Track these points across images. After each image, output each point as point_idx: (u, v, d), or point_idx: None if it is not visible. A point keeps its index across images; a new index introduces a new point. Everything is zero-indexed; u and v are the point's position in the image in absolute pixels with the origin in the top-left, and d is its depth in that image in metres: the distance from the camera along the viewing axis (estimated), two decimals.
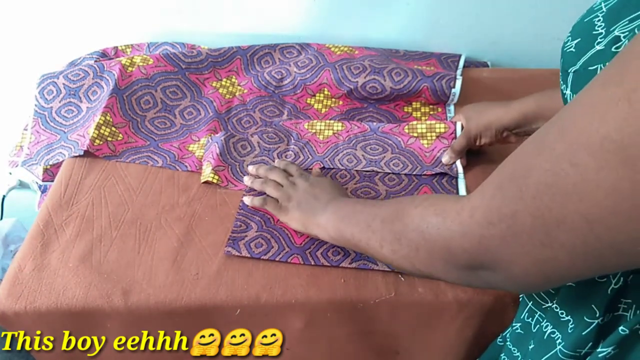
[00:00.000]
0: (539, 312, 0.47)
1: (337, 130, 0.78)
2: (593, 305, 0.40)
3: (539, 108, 0.64)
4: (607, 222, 0.28)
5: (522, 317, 0.49)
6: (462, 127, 0.74)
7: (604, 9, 0.37)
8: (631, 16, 0.34)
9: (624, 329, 0.38)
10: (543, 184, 0.30)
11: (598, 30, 0.36)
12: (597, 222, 0.28)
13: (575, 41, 0.39)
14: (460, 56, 0.93)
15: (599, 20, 0.37)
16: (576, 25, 0.40)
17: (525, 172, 0.32)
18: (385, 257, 0.46)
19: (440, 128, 0.76)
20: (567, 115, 0.30)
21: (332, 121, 0.80)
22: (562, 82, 0.40)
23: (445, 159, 0.73)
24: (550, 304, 0.45)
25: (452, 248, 0.38)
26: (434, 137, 0.76)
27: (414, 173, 0.72)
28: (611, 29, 0.35)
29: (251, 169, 0.71)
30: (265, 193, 0.67)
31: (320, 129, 0.79)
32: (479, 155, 0.75)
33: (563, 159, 0.29)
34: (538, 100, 0.65)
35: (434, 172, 0.72)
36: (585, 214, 0.28)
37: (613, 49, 0.33)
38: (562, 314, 0.43)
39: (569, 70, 0.38)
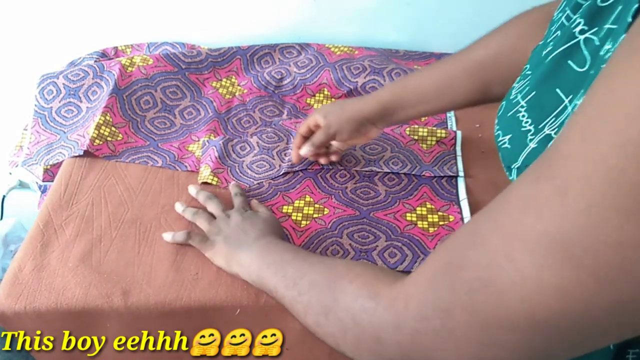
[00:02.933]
0: None
1: None
2: None
3: (394, 96, 0.62)
4: (553, 322, 0.25)
5: None
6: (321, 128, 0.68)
7: (524, 104, 0.37)
8: (556, 112, 0.33)
9: None
10: (478, 279, 0.28)
11: (526, 126, 0.36)
12: (542, 323, 0.25)
13: (508, 137, 0.38)
14: None
15: (523, 115, 0.37)
16: (501, 118, 0.40)
17: (458, 264, 0.29)
18: (309, 326, 0.42)
19: (441, 133, 0.76)
20: (500, 207, 0.29)
21: None
22: (507, 174, 0.39)
23: (304, 150, 0.68)
24: None
25: (383, 339, 0.34)
26: (434, 142, 0.76)
27: (414, 173, 0.72)
28: (540, 127, 0.35)
29: (191, 189, 0.68)
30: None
31: None
32: (479, 155, 0.75)
33: (498, 253, 0.27)
34: (392, 89, 0.63)
35: (433, 174, 0.72)
36: (527, 315, 0.26)
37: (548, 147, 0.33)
38: None
39: (512, 167, 0.38)
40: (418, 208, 0.68)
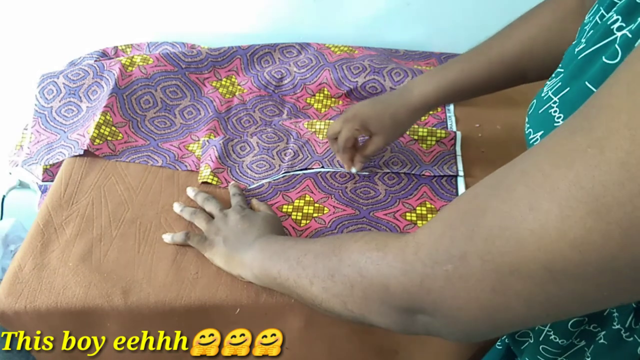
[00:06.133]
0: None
1: None
2: None
3: (439, 92, 0.62)
4: (571, 273, 0.25)
5: None
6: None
7: (557, 100, 0.37)
8: None
9: None
10: (497, 226, 0.28)
11: (559, 122, 0.36)
12: (559, 273, 0.25)
13: (539, 133, 0.38)
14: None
15: (555, 111, 0.37)
16: (532, 116, 0.40)
17: (479, 212, 0.29)
18: (315, 296, 0.42)
19: (441, 133, 0.77)
20: (530, 159, 0.28)
21: (331, 120, 0.80)
22: None
23: (359, 167, 0.70)
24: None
25: (391, 287, 0.34)
26: (433, 142, 0.76)
27: (413, 172, 0.72)
28: None
29: (189, 191, 0.68)
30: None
31: (319, 128, 0.79)
32: (479, 155, 0.76)
33: (522, 202, 0.26)
34: (435, 85, 0.62)
35: (433, 174, 0.72)
36: (545, 263, 0.26)
37: None
38: None
39: None
40: (418, 208, 0.68)
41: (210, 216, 0.63)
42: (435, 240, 0.32)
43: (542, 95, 0.40)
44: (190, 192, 0.68)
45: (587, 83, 0.34)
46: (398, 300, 0.35)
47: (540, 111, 0.39)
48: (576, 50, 0.38)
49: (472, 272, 0.29)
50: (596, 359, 0.42)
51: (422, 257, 0.32)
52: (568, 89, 0.37)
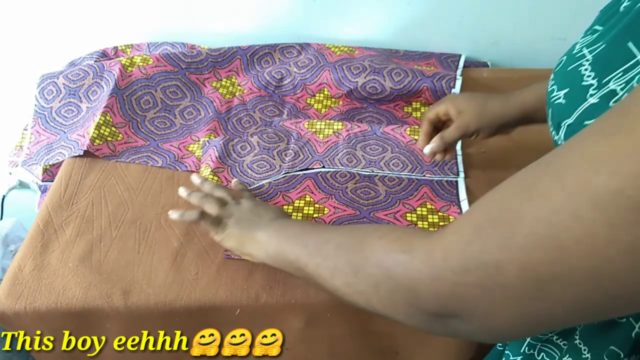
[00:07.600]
0: (541, 344, 0.45)
1: (338, 129, 0.78)
2: (615, 348, 0.39)
3: (538, 102, 0.61)
4: (618, 277, 0.25)
5: (522, 350, 0.46)
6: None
7: (589, 57, 0.36)
8: (625, 66, 0.32)
9: None
10: (536, 234, 0.27)
11: (588, 81, 0.34)
12: (605, 278, 0.25)
13: (564, 91, 0.37)
14: (460, 56, 0.93)
15: (586, 69, 0.35)
16: (559, 73, 0.39)
17: (512, 218, 0.28)
18: (337, 288, 0.41)
19: None
20: (564, 162, 0.27)
21: (332, 121, 0.80)
22: (554, 133, 0.38)
23: (433, 145, 0.65)
24: (556, 338, 0.43)
25: (420, 291, 0.33)
26: None
27: (414, 175, 0.72)
28: (604, 81, 0.33)
29: (194, 178, 0.64)
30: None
31: (320, 128, 0.79)
32: (479, 155, 0.75)
33: (562, 210, 0.26)
34: (537, 93, 0.62)
35: (434, 175, 0.72)
36: (590, 270, 0.25)
37: (611, 104, 0.31)
38: (584, 350, 0.41)
39: (562, 123, 0.36)
40: (418, 208, 0.68)
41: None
42: (464, 246, 0.31)
43: (574, 52, 0.38)
44: (196, 179, 0.64)
45: (630, 44, 0.32)
46: (427, 304, 0.34)
47: (568, 68, 0.37)
48: (621, 8, 0.36)
49: (508, 281, 0.28)
50: (586, 340, 0.42)
51: (451, 263, 0.31)
52: (605, 45, 0.35)
